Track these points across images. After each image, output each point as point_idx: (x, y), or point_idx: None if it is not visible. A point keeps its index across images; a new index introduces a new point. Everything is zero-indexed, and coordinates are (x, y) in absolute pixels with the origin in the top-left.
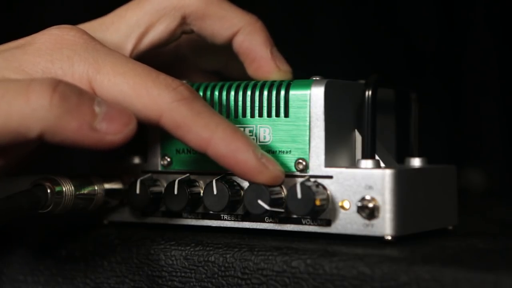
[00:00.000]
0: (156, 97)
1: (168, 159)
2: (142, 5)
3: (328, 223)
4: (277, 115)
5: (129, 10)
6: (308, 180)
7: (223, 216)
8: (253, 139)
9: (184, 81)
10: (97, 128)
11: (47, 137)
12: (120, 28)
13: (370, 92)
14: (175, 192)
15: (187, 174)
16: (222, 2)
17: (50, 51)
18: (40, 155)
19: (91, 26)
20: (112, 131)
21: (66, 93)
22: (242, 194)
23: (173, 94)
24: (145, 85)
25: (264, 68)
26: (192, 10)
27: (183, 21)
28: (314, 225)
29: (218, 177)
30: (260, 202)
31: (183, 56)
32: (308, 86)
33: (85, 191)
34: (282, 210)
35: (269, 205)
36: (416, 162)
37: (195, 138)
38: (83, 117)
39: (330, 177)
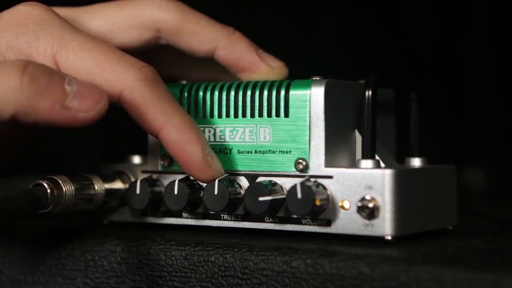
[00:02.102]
0: (120, 74)
1: (168, 159)
2: (121, 8)
3: (328, 223)
4: (277, 115)
5: (109, 8)
6: (308, 180)
7: (223, 216)
8: (253, 139)
9: (184, 81)
10: (69, 106)
11: (20, 118)
12: (94, 20)
13: (370, 92)
14: (175, 192)
15: (187, 174)
16: (199, 18)
17: (16, 26)
18: (29, 146)
19: (65, 10)
20: (84, 109)
21: (36, 74)
22: (242, 194)
23: (137, 73)
24: (109, 62)
25: (257, 71)
26: (167, 26)
27: (158, 34)
28: (314, 225)
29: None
30: (261, 198)
31: (170, 73)
32: (308, 86)
33: (85, 191)
34: (284, 196)
35: (270, 201)
36: (416, 162)
37: (150, 120)
38: (54, 97)
39: (330, 177)
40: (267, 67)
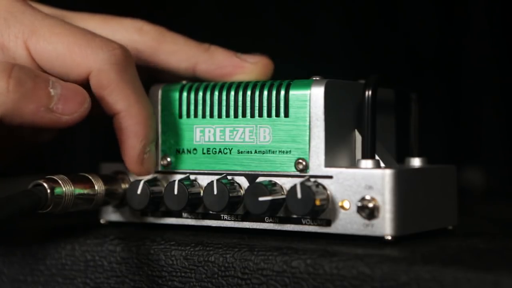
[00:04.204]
0: (89, 56)
1: (168, 159)
2: (104, 22)
3: (328, 223)
4: (277, 115)
5: (94, 19)
6: (308, 180)
7: (223, 216)
8: (253, 139)
9: (184, 81)
10: (53, 109)
11: (6, 120)
12: (78, 25)
13: (370, 92)
14: (175, 192)
15: (187, 174)
16: (176, 38)
17: None
18: (24, 151)
19: (49, 9)
20: (67, 111)
21: (21, 78)
22: (242, 194)
23: (107, 56)
24: (79, 44)
25: (242, 71)
26: (146, 46)
27: (136, 55)
28: (314, 225)
29: (218, 177)
30: (261, 198)
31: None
32: (308, 86)
33: (85, 191)
34: (284, 196)
35: (270, 201)
36: (416, 162)
37: (110, 103)
38: (40, 100)
39: (330, 177)
40: (251, 64)
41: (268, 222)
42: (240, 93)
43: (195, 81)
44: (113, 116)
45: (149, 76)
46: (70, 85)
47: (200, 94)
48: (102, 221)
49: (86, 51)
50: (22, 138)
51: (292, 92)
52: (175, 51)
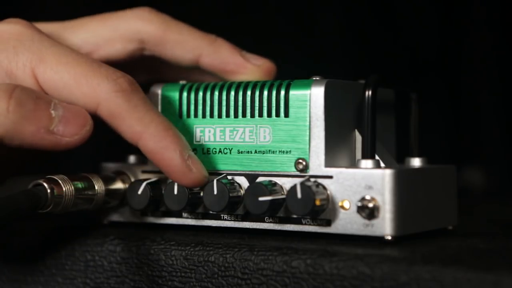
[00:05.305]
0: (95, 87)
1: None
2: (105, 21)
3: (328, 223)
4: (277, 115)
5: (93, 21)
6: (308, 180)
7: (223, 216)
8: (253, 139)
9: (184, 81)
10: (54, 131)
11: (5, 141)
12: (79, 33)
13: (370, 92)
14: (175, 192)
15: None
16: (181, 27)
17: None
18: (31, 159)
19: (50, 26)
20: (68, 134)
21: (23, 99)
22: (242, 194)
23: (112, 85)
24: (85, 75)
25: (244, 72)
26: (150, 36)
27: (142, 46)
28: (314, 225)
29: (218, 177)
30: (261, 198)
31: (158, 79)
32: (308, 86)
33: (85, 191)
34: (284, 196)
35: (270, 201)
36: (416, 162)
37: (128, 130)
38: (40, 122)
39: (330, 177)
40: (253, 66)
41: (268, 222)
42: (240, 93)
43: (194, 81)
44: (137, 143)
45: (150, 77)
46: (73, 107)
47: (200, 94)
48: (105, 221)
49: (92, 82)
50: (23, 156)
51: (292, 92)
52: (181, 41)
